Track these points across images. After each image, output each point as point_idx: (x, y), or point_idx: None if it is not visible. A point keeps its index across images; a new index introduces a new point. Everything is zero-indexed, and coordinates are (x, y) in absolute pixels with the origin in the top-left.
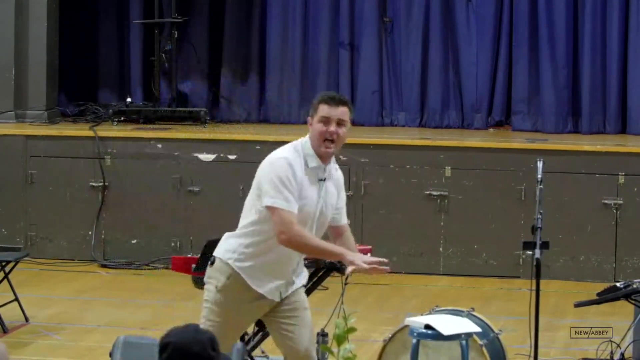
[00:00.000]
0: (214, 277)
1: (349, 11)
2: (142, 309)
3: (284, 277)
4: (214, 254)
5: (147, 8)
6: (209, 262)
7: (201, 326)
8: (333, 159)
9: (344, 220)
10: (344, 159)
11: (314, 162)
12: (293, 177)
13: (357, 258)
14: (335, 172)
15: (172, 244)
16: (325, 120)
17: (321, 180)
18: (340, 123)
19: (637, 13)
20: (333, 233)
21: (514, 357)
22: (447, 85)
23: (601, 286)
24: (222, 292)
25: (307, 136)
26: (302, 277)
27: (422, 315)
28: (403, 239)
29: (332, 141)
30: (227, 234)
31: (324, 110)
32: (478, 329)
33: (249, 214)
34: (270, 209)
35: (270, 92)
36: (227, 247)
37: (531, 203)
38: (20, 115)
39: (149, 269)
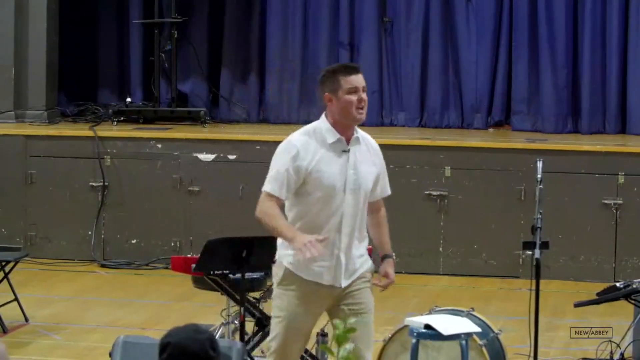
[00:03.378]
0: (274, 274)
1: (349, 11)
2: (142, 309)
3: (330, 258)
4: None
5: (147, 8)
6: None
7: (272, 326)
8: (356, 128)
9: (379, 194)
10: None
11: (332, 137)
12: (282, 155)
13: (298, 241)
14: (364, 140)
15: (172, 244)
16: (355, 90)
17: (345, 151)
18: (364, 89)
19: (637, 13)
20: (369, 209)
21: (513, 357)
22: (447, 85)
23: (601, 286)
24: (281, 286)
25: (322, 116)
26: (363, 263)
27: (421, 315)
28: (403, 239)
29: (362, 108)
30: None
31: (350, 81)
32: (478, 329)
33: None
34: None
35: (270, 92)
36: (280, 245)
37: (531, 203)
38: (20, 115)
39: (149, 269)
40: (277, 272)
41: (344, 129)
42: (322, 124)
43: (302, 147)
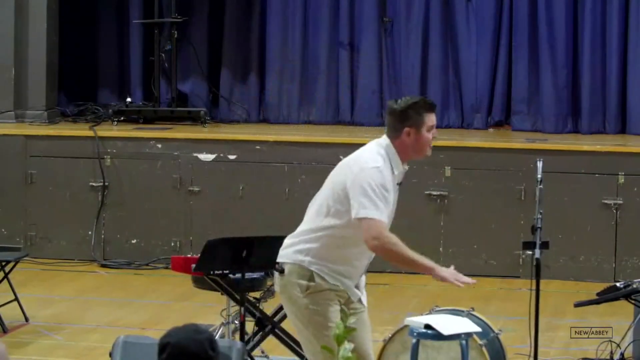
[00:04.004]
0: (292, 283)
1: (349, 11)
2: (142, 309)
3: (356, 278)
4: (281, 260)
5: (147, 8)
6: (278, 272)
7: (318, 337)
8: None
9: None
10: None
11: (399, 168)
12: (384, 186)
13: (449, 275)
14: None
15: (172, 244)
16: (432, 127)
17: (398, 184)
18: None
19: (637, 13)
20: None
21: (514, 357)
22: (447, 85)
23: (601, 286)
24: (310, 295)
25: (388, 141)
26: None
27: (422, 315)
28: (403, 239)
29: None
30: (291, 238)
31: (431, 119)
32: (478, 329)
33: (324, 217)
34: (362, 220)
35: (269, 92)
36: (299, 250)
37: (531, 203)
38: (20, 115)
39: (149, 269)
40: (297, 280)
41: (405, 161)
42: (391, 150)
43: (388, 177)
